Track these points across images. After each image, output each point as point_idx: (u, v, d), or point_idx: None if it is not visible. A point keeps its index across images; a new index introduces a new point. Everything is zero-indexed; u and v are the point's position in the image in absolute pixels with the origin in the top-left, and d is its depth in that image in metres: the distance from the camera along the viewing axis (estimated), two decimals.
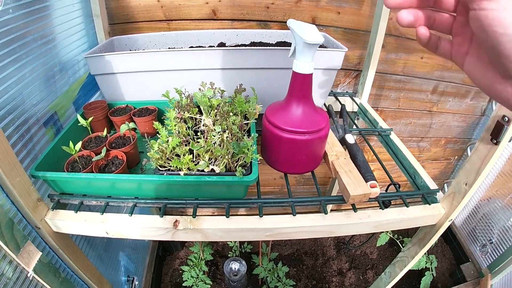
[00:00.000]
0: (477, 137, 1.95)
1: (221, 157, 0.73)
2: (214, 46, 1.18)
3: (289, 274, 1.93)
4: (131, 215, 0.76)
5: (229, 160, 0.73)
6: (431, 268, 1.91)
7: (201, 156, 0.73)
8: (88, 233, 0.78)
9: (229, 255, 1.70)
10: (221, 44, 1.18)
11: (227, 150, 0.72)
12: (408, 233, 2.21)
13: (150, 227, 0.76)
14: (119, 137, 0.90)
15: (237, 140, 0.75)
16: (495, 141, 0.71)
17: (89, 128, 0.88)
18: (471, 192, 0.79)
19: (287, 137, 0.76)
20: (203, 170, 0.72)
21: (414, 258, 1.05)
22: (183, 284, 1.65)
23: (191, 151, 0.75)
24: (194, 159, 0.75)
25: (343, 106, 1.22)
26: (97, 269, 1.01)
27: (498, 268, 1.75)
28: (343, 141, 0.97)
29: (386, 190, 0.91)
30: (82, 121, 0.85)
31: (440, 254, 2.19)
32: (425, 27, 0.42)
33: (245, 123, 0.85)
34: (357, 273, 2.03)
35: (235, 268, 1.60)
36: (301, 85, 0.74)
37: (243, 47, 0.96)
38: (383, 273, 1.25)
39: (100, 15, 1.15)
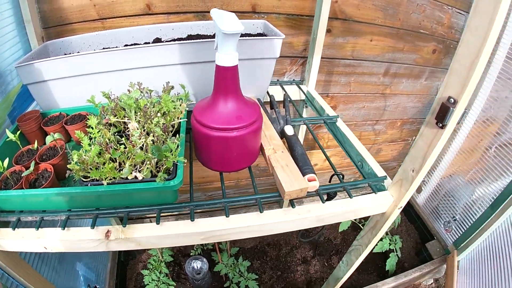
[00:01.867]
0: None
1: (143, 162, 0.67)
2: (149, 43, 1.12)
3: (253, 267, 1.91)
4: (63, 229, 0.72)
5: (153, 165, 0.68)
6: (396, 249, 1.93)
7: (124, 163, 0.68)
8: (28, 249, 0.75)
9: (191, 254, 1.66)
10: (157, 40, 1.12)
11: (148, 155, 0.66)
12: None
13: (83, 239, 0.71)
14: (50, 148, 0.84)
15: (163, 143, 0.70)
16: (441, 125, 0.66)
17: (18, 142, 0.81)
18: (419, 178, 0.76)
19: (215, 135, 0.72)
20: (127, 178, 0.67)
21: (368, 246, 1.04)
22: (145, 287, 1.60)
23: (115, 160, 0.70)
24: (119, 167, 0.69)
25: (285, 95, 1.17)
26: (51, 283, 0.98)
27: (463, 244, 1.78)
28: (283, 133, 0.93)
29: (330, 181, 0.88)
30: (10, 135, 0.79)
31: (405, 234, 2.22)
32: None
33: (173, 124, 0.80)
34: (322, 260, 2.03)
35: (197, 267, 1.56)
36: (225, 78, 0.70)
37: (167, 43, 0.89)
38: (340, 261, 1.25)
39: (31, 20, 1.07)
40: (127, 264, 1.85)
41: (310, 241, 2.15)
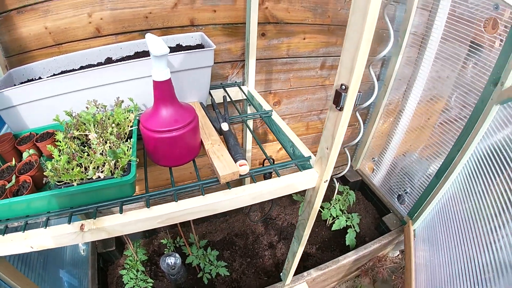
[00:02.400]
0: (375, 101, 2.20)
1: (103, 164, 0.87)
2: (102, 62, 1.30)
3: (223, 257, 2.12)
4: (46, 228, 0.89)
5: (111, 166, 0.87)
6: (353, 225, 2.15)
7: (88, 167, 0.87)
8: (17, 251, 0.89)
9: (165, 252, 1.84)
10: (108, 59, 1.31)
11: (106, 158, 0.86)
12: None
13: (62, 234, 0.88)
14: (26, 163, 1.01)
15: (118, 147, 0.90)
16: (339, 108, 0.83)
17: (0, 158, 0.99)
18: (334, 153, 0.96)
19: (158, 136, 0.93)
20: (92, 178, 0.87)
21: (310, 218, 1.23)
22: (126, 287, 1.79)
23: (81, 165, 0.89)
24: (85, 170, 0.89)
25: (224, 97, 1.39)
26: (37, 286, 1.13)
27: (416, 214, 2.00)
28: (221, 130, 1.14)
29: (263, 165, 1.09)
30: None
31: (363, 211, 2.46)
32: None
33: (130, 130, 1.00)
34: (287, 243, 2.25)
35: (171, 263, 1.75)
36: (160, 90, 0.91)
37: (110, 64, 1.09)
38: (293, 238, 1.45)
39: None
40: (106, 270, 2.01)
41: (260, 220, 2.39)
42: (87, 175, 0.86)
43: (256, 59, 1.60)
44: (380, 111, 2.21)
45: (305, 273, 1.91)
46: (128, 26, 1.37)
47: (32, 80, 1.24)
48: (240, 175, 0.97)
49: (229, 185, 0.97)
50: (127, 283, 1.78)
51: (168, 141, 0.93)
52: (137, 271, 1.84)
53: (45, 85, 1.07)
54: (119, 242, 2.08)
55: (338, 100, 0.82)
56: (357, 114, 1.86)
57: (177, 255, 1.77)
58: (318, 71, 1.86)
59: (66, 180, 0.85)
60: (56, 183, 0.87)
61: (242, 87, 1.62)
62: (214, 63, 1.50)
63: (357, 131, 2.29)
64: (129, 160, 0.89)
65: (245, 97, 1.58)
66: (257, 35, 1.53)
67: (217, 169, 0.93)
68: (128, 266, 1.84)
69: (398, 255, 2.47)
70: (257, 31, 1.49)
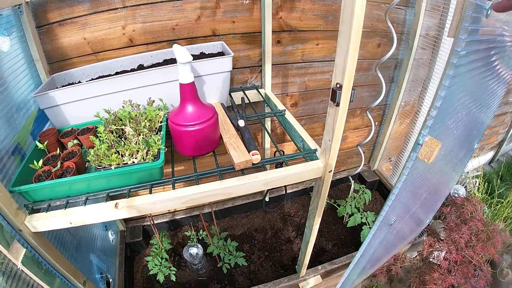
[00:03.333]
0: (390, 102, 2.33)
1: (137, 151, 1.07)
2: (135, 68, 1.51)
3: (243, 249, 2.29)
4: (85, 205, 1.07)
5: (144, 153, 1.07)
6: (368, 222, 2.27)
7: (125, 154, 1.07)
8: (57, 226, 1.07)
9: (188, 243, 2.03)
10: (140, 66, 1.51)
11: (139, 146, 1.06)
12: (331, 195, 2.68)
13: (99, 211, 1.07)
14: (69, 152, 1.21)
15: (148, 138, 1.10)
16: (336, 104, 0.99)
17: (46, 150, 1.20)
18: (335, 145, 1.12)
19: (183, 130, 1.12)
20: (127, 163, 1.06)
21: (318, 208, 1.38)
22: (150, 273, 1.99)
23: (118, 152, 1.09)
24: (122, 157, 1.08)
25: (242, 98, 1.58)
26: (71, 264, 1.31)
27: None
28: (238, 126, 1.33)
29: (274, 156, 1.27)
30: (40, 145, 1.17)
31: (379, 210, 2.55)
32: None
33: (160, 125, 1.20)
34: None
35: (193, 253, 1.94)
36: (185, 91, 1.10)
37: (143, 70, 1.30)
38: (305, 228, 1.59)
39: (40, 58, 1.44)
40: (133, 259, 2.23)
41: (276, 209, 2.58)
42: (123, 160, 1.06)
43: (273, 64, 1.78)
44: (395, 112, 2.33)
45: (319, 267, 2.05)
46: (157, 36, 1.58)
47: (72, 84, 1.46)
48: (253, 164, 1.14)
49: (243, 172, 1.14)
50: (152, 269, 1.99)
51: (192, 134, 1.12)
52: (162, 258, 2.04)
53: (85, 88, 1.28)
54: (146, 233, 2.30)
55: (334, 97, 0.98)
56: (368, 114, 2.00)
57: (199, 246, 1.96)
58: (332, 75, 2.00)
59: (106, 164, 1.05)
60: (97, 167, 1.06)
61: (259, 89, 1.81)
62: (235, 68, 1.70)
63: (374, 132, 2.43)
64: (159, 149, 1.08)
65: (262, 99, 1.76)
66: (273, 42, 1.72)
67: (233, 158, 1.11)
68: (154, 254, 2.04)
69: (415, 256, 2.52)
70: (273, 38, 1.68)
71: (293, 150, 2.35)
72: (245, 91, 1.76)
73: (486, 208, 2.92)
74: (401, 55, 2.11)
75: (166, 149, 1.10)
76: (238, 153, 1.14)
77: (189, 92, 1.11)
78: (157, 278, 1.99)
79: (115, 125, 1.19)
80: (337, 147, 1.13)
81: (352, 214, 2.31)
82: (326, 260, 2.14)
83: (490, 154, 4.05)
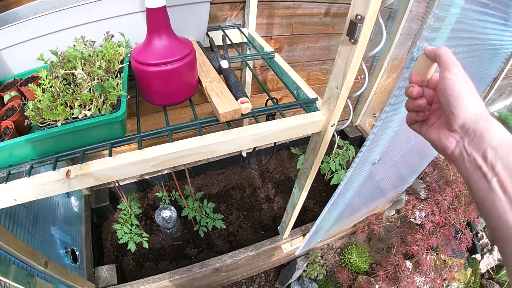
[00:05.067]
0: (379, 54, 2.08)
1: (90, 101, 0.77)
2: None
3: (219, 210, 2.08)
4: (29, 176, 0.79)
5: (100, 103, 0.77)
6: None
7: (74, 105, 0.77)
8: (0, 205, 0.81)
9: (160, 205, 1.78)
10: None
11: (93, 94, 0.76)
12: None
13: (47, 182, 0.79)
14: (8, 109, 0.91)
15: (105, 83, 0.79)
16: (353, 41, 0.75)
17: None
18: (344, 94, 0.87)
19: (151, 70, 0.82)
20: (77, 117, 0.76)
21: (313, 167, 1.15)
22: (119, 242, 1.72)
23: (66, 103, 0.78)
24: (71, 109, 0.78)
25: (223, 36, 1.26)
26: (27, 244, 1.06)
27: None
28: (220, 68, 1.03)
29: (266, 105, 0.99)
30: None
31: None
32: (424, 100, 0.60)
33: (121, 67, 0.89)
34: (284, 197, 2.21)
35: (166, 216, 1.68)
36: (154, 18, 0.79)
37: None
38: (293, 189, 1.38)
39: None
40: (101, 226, 1.96)
41: (261, 168, 2.35)
42: (72, 113, 0.76)
43: (258, 1, 1.45)
44: (384, 65, 2.11)
45: (303, 227, 1.87)
46: None
47: None
48: (242, 114, 0.87)
49: (229, 124, 0.87)
50: (121, 237, 1.71)
51: (163, 75, 0.83)
52: (132, 225, 1.76)
53: (28, 25, 0.95)
54: (113, 196, 2.01)
55: (352, 31, 0.73)
56: (363, 64, 1.74)
57: (172, 208, 1.71)
58: (322, 18, 1.72)
59: (50, 120, 0.75)
60: (39, 124, 0.76)
61: (242, 29, 1.49)
62: (213, 3, 1.38)
63: (359, 84, 2.19)
64: (119, 96, 0.78)
65: (246, 40, 1.46)
66: None
67: (217, 107, 0.83)
68: (122, 220, 1.76)
69: (393, 214, 2.47)
70: None
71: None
72: (225, 31, 1.44)
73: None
74: (396, 6, 1.84)
75: (129, 97, 0.80)
76: (223, 101, 0.85)
77: (159, 19, 0.80)
78: (128, 248, 1.72)
79: (63, 69, 0.87)
80: (346, 96, 0.89)
81: (336, 172, 2.10)
82: (308, 220, 1.98)
83: None
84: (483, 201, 0.47)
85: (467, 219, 2.24)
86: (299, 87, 1.07)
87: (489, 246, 2.51)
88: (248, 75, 1.71)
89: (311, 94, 1.03)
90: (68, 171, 0.79)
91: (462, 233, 2.17)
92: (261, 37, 1.49)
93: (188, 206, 1.88)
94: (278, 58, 1.21)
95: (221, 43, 1.24)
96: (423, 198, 2.31)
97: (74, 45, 0.92)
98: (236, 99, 0.87)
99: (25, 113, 0.76)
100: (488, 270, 2.43)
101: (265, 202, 2.17)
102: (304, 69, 1.97)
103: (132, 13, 1.00)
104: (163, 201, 1.86)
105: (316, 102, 1.01)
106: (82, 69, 0.85)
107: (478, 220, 2.29)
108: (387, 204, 2.26)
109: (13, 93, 0.93)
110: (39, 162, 0.82)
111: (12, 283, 0.96)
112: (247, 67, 1.64)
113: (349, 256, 2.24)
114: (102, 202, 1.93)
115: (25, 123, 0.87)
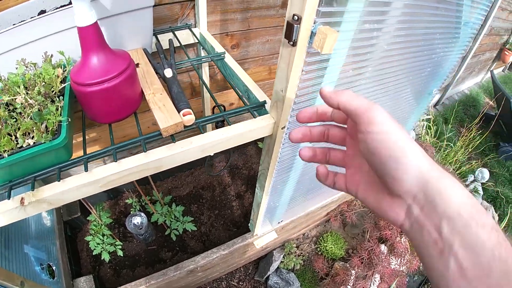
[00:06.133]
0: None
1: (33, 129, 0.80)
2: (35, 16, 1.18)
3: (191, 211, 2.14)
4: None
5: (42, 130, 0.80)
6: None
7: (19, 135, 0.80)
8: None
9: (131, 212, 1.82)
10: (42, 12, 1.18)
11: (34, 122, 0.79)
12: None
13: (5, 211, 0.82)
14: None
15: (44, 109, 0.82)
16: (291, 43, 0.73)
17: None
18: (289, 96, 0.89)
19: (88, 90, 0.85)
20: (22, 146, 0.79)
21: (270, 168, 1.21)
22: (93, 253, 1.76)
23: (10, 134, 0.81)
24: (16, 139, 0.81)
25: (170, 40, 1.28)
26: (0, 267, 1.10)
27: None
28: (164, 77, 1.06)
29: (213, 112, 1.03)
30: None
31: None
32: (323, 166, 0.51)
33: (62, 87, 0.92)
34: (254, 192, 2.25)
35: (137, 223, 1.72)
36: (85, 37, 0.82)
37: (39, 16, 0.99)
38: (255, 189, 1.43)
39: None
40: (75, 237, 1.99)
41: (220, 173, 2.39)
42: (17, 142, 0.79)
43: None
44: None
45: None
46: None
47: None
48: (185, 126, 0.91)
49: (173, 138, 0.91)
50: (95, 249, 1.75)
51: (101, 94, 0.86)
52: (103, 235, 1.80)
53: None
54: (84, 207, 2.02)
55: (290, 33, 0.71)
56: None
57: (142, 214, 1.75)
58: (279, 10, 1.74)
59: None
60: None
61: (193, 29, 1.50)
62: (161, 4, 1.39)
63: None
64: (59, 121, 0.81)
65: (197, 41, 1.47)
66: None
67: (158, 121, 0.87)
68: (93, 232, 1.79)
69: None
70: None
71: (237, 99, 2.11)
72: (175, 32, 1.44)
73: (435, 152, 3.00)
74: None
75: (69, 120, 0.83)
76: (164, 115, 0.89)
77: (91, 38, 0.82)
78: (102, 258, 1.76)
79: (6, 95, 0.90)
80: (292, 98, 0.90)
81: None
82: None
83: (436, 97, 4.12)
84: (438, 282, 0.37)
85: None
86: (249, 89, 1.11)
87: None
88: (205, 75, 1.72)
89: (261, 97, 1.07)
90: (22, 198, 0.82)
91: None
92: (217, 34, 1.52)
93: (157, 211, 1.92)
94: (228, 59, 1.24)
95: (169, 48, 1.26)
96: None
97: (16, 68, 0.94)
98: (179, 111, 0.91)
99: None
100: None
101: (236, 199, 2.24)
102: (264, 63, 2.00)
103: (69, 28, 1.02)
104: (134, 207, 1.90)
105: (265, 104, 1.05)
106: (27, 93, 0.87)
107: None
108: None
109: None
110: None
111: None
112: (203, 67, 1.67)
113: (325, 244, 2.32)
114: (74, 214, 1.95)
115: None
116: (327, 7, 0.67)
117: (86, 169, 0.84)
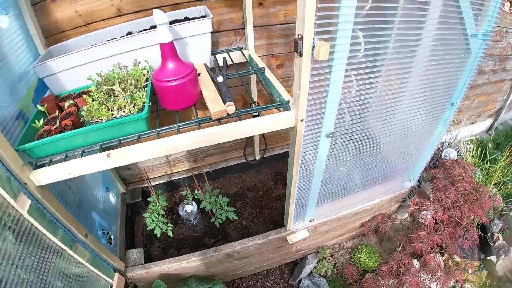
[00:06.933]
0: None
1: (124, 106, 1.24)
2: (124, 36, 1.67)
3: (235, 206, 2.51)
4: (81, 157, 1.26)
5: (131, 107, 1.25)
6: None
7: (113, 108, 1.25)
8: (58, 178, 1.25)
9: (184, 202, 2.24)
10: (129, 33, 1.67)
11: (126, 101, 1.24)
12: None
13: (94, 161, 1.25)
14: (66, 113, 1.39)
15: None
16: (299, 54, 1.11)
17: (46, 112, 1.38)
18: (303, 94, 1.25)
19: (164, 85, 1.29)
20: (115, 116, 1.24)
21: (295, 158, 1.54)
22: (148, 228, 2.23)
23: (108, 108, 1.26)
24: (111, 112, 1.26)
25: (223, 58, 1.76)
26: (73, 217, 1.51)
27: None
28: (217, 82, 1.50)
29: (250, 107, 1.43)
30: (40, 108, 1.36)
31: None
32: None
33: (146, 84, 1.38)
34: None
35: (188, 210, 2.15)
36: (165, 50, 1.27)
37: (129, 36, 1.48)
38: (287, 180, 1.75)
39: (36, 33, 1.61)
40: (134, 219, 2.48)
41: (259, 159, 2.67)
42: (113, 114, 1.24)
43: (256, 26, 1.93)
44: None
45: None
46: (143, 5, 1.74)
47: None
48: (228, 114, 1.32)
49: (219, 121, 1.32)
50: (149, 224, 2.23)
51: (172, 88, 1.30)
52: (158, 214, 2.28)
53: (79, 55, 1.45)
54: (145, 195, 2.53)
55: (297, 47, 1.10)
56: None
57: (194, 203, 2.17)
58: None
59: (98, 118, 1.23)
60: (90, 121, 1.24)
61: (243, 51, 1.97)
62: (219, 31, 1.86)
63: None
64: (143, 102, 1.26)
65: (246, 60, 1.93)
66: (255, 4, 1.86)
67: (210, 109, 1.29)
68: (151, 211, 2.28)
69: (406, 217, 2.72)
70: (254, 1, 1.83)
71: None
72: (229, 53, 1.92)
73: (478, 172, 3.01)
74: None
75: (150, 104, 1.28)
76: (214, 105, 1.31)
77: (168, 50, 1.27)
78: (154, 233, 2.21)
79: (106, 85, 1.36)
80: (305, 96, 1.26)
81: None
82: None
83: (488, 122, 4.07)
84: None
85: (480, 221, 2.30)
86: (280, 94, 1.50)
87: (505, 248, 2.56)
88: (254, 90, 2.17)
89: (286, 97, 1.45)
90: (108, 153, 1.25)
91: (466, 230, 2.29)
92: (263, 56, 1.95)
93: (206, 199, 2.35)
94: (268, 72, 1.67)
95: (222, 63, 1.72)
96: (431, 199, 2.43)
97: (113, 69, 1.41)
98: (224, 103, 1.32)
99: (81, 113, 1.25)
100: (506, 273, 2.48)
101: (276, 201, 2.59)
102: None
103: (153, 45, 1.49)
104: (187, 198, 2.34)
105: (289, 103, 1.42)
106: (119, 85, 1.33)
107: (487, 220, 2.34)
108: (390, 200, 2.49)
109: (71, 101, 1.42)
110: (88, 148, 1.29)
111: (59, 242, 1.38)
112: (250, 78, 2.12)
113: (359, 255, 2.55)
114: (136, 199, 2.47)
115: (82, 124, 1.36)
116: (319, 28, 1.05)
117: (157, 137, 1.27)
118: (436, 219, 2.29)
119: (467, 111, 3.44)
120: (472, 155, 3.20)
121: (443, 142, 3.26)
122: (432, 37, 1.39)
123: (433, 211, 2.29)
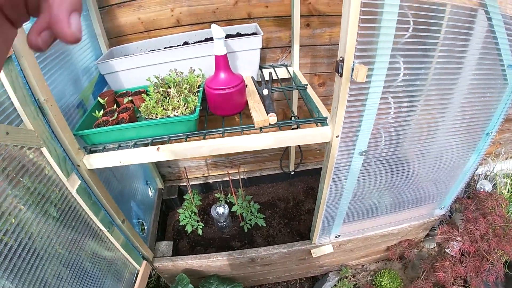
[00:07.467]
0: None
1: (178, 107, 1.43)
2: (180, 45, 1.88)
3: (264, 213, 2.66)
4: (133, 148, 1.44)
5: (183, 108, 1.43)
6: None
7: (168, 108, 1.44)
8: (109, 164, 1.43)
9: (217, 204, 2.41)
10: (185, 42, 1.88)
11: (180, 103, 1.42)
12: None
13: (144, 153, 1.43)
14: (124, 108, 1.59)
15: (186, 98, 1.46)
16: (339, 74, 1.23)
17: (105, 105, 1.59)
18: (340, 112, 1.37)
19: (216, 93, 1.47)
20: (169, 115, 1.43)
21: (328, 172, 1.66)
22: (180, 224, 2.45)
23: (163, 107, 1.45)
24: (166, 111, 1.45)
25: (269, 73, 1.94)
26: (115, 202, 1.69)
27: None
28: (262, 94, 1.67)
29: (291, 119, 1.59)
30: (101, 100, 1.57)
31: None
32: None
33: (198, 89, 1.57)
34: None
35: (220, 212, 2.32)
36: (219, 61, 1.46)
37: (187, 45, 1.68)
38: (318, 192, 1.86)
39: (101, 34, 1.85)
40: (167, 214, 2.69)
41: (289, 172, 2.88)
42: (167, 113, 1.43)
43: (302, 45, 2.10)
44: None
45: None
46: (200, 18, 1.95)
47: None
48: (270, 124, 1.48)
49: (261, 129, 1.48)
50: (182, 220, 2.44)
51: (222, 96, 1.48)
52: (191, 212, 2.47)
53: (140, 58, 1.67)
54: (181, 193, 2.74)
55: (338, 68, 1.22)
56: None
57: (226, 206, 2.34)
58: None
59: (153, 115, 1.42)
60: (145, 117, 1.44)
61: (288, 67, 2.15)
62: (267, 48, 2.04)
63: None
64: (195, 106, 1.44)
65: (290, 76, 2.11)
66: (302, 25, 2.02)
67: (253, 117, 1.46)
68: (185, 207, 2.49)
69: (434, 247, 2.72)
70: (302, 22, 2.00)
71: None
72: (275, 68, 2.10)
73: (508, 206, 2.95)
74: None
75: (201, 107, 1.46)
76: (258, 114, 1.48)
77: (222, 62, 1.45)
78: (185, 229, 2.41)
79: (162, 87, 1.56)
80: (343, 113, 1.38)
81: None
82: None
83: None
84: None
85: (508, 258, 2.31)
86: (319, 110, 1.64)
87: None
88: (295, 98, 2.31)
89: (325, 113, 1.59)
90: (158, 147, 1.42)
91: (492, 264, 2.26)
92: (307, 73, 2.11)
93: (238, 203, 2.53)
94: (309, 89, 1.82)
95: (268, 78, 1.89)
96: (460, 230, 2.43)
97: (169, 74, 1.61)
98: (267, 114, 1.49)
99: (139, 109, 1.45)
100: None
101: (305, 214, 2.72)
102: None
103: (206, 55, 1.68)
104: (220, 201, 2.53)
105: (327, 119, 1.55)
106: (174, 88, 1.52)
107: None
108: (419, 226, 2.56)
109: (130, 97, 1.62)
110: (140, 142, 1.47)
111: (98, 223, 1.58)
112: (293, 93, 2.28)
113: (381, 279, 2.61)
114: (172, 195, 2.68)
115: (136, 119, 1.55)
116: (359, 52, 1.20)
117: (204, 138, 1.45)
118: (462, 250, 2.31)
119: (506, 143, 3.45)
120: (508, 190, 3.19)
121: (479, 174, 3.27)
122: (471, 66, 1.48)
123: (460, 242, 2.30)
